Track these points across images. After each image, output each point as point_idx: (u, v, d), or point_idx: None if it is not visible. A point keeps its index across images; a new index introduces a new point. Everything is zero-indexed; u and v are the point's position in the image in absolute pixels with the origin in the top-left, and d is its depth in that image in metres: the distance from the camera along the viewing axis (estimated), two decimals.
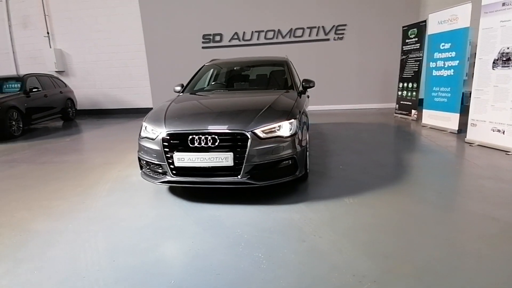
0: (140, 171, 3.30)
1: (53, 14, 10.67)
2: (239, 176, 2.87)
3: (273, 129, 2.98)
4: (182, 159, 2.89)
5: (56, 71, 10.76)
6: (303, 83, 4.20)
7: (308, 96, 4.94)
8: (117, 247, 2.35)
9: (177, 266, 2.10)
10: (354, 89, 9.35)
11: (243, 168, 2.85)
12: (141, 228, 2.64)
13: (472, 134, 4.84)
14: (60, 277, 2.03)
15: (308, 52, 9.32)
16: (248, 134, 2.84)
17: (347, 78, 9.33)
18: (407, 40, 7.22)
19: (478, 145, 4.70)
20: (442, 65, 5.79)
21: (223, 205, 2.99)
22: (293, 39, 9.34)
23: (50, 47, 10.81)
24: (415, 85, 6.99)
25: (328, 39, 9.21)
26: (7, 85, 8.07)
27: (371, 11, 8.87)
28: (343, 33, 9.12)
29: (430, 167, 3.90)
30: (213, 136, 2.84)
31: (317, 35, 9.23)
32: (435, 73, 6.00)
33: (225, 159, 2.83)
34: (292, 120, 3.09)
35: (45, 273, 2.08)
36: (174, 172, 2.96)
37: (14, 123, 7.19)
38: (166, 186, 3.37)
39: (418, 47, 6.85)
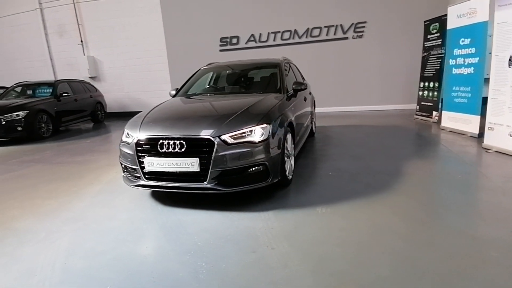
0: (122, 175, 3.41)
1: (85, 23, 11.42)
2: (205, 182, 2.85)
3: (242, 134, 2.92)
4: (152, 163, 2.93)
5: (89, 77, 11.52)
6: (294, 86, 4.07)
7: (305, 99, 4.79)
8: (76, 249, 2.44)
9: (120, 271, 2.13)
10: (374, 90, 8.92)
11: (209, 174, 2.83)
12: (107, 230, 2.72)
13: (489, 139, 4.38)
14: (16, 275, 2.15)
15: (326, 52, 9.06)
16: (214, 140, 2.81)
17: (367, 78, 8.92)
18: (428, 36, 6.73)
19: (496, 151, 4.24)
20: (462, 63, 5.31)
21: (193, 210, 2.99)
22: (309, 39, 9.12)
23: (84, 55, 11.58)
24: (436, 85, 6.49)
25: (346, 38, 8.87)
26: (40, 90, 8.76)
27: (392, 6, 8.39)
28: (362, 31, 8.73)
29: (429, 176, 3.59)
30: (180, 141, 2.86)
31: (335, 34, 8.93)
32: (455, 71, 5.52)
33: (191, 164, 2.82)
34: (265, 125, 3.01)
35: (5, 270, 2.21)
36: (146, 176, 3.02)
37: (43, 125, 7.79)
38: (149, 190, 3.44)
39: (440, 43, 6.35)
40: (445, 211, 2.68)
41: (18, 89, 8.97)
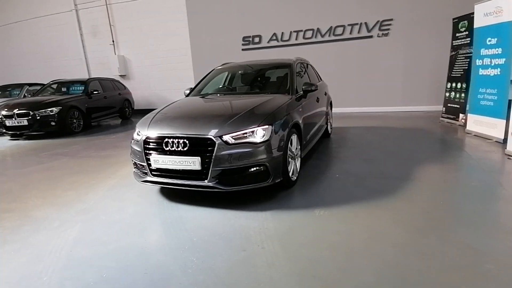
0: (133, 171, 3.59)
1: (117, 24, 11.96)
2: (206, 181, 2.94)
3: (244, 135, 2.98)
4: (157, 161, 3.07)
5: (119, 75, 12.08)
6: (303, 87, 4.06)
7: (317, 99, 4.74)
8: (83, 238, 2.62)
9: (117, 261, 2.27)
10: (398, 90, 8.62)
11: (210, 173, 2.91)
12: (114, 222, 2.89)
13: None
14: (26, 259, 2.36)
15: (349, 51, 8.88)
16: (215, 139, 2.89)
17: (391, 78, 8.63)
18: (457, 34, 6.40)
19: None
20: (489, 63, 5.01)
21: (195, 207, 3.09)
22: (332, 37, 8.97)
23: (115, 54, 12.14)
24: (464, 86, 6.16)
25: (371, 36, 8.63)
26: (73, 88, 9.31)
27: (421, 2, 8.04)
28: (388, 29, 8.45)
29: (440, 183, 3.45)
30: (184, 140, 2.97)
31: (359, 32, 8.72)
32: (481, 72, 5.22)
33: (192, 163, 2.93)
34: (267, 126, 3.04)
35: (18, 255, 2.43)
36: (152, 173, 3.16)
37: (75, 120, 8.30)
38: (156, 186, 3.59)
39: (468, 41, 6.02)
40: (448, 220, 2.59)
41: (54, 86, 9.58)
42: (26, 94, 10.13)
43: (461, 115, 6.21)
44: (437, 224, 2.53)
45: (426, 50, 8.16)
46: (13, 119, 7.54)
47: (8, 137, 8.00)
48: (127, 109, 10.73)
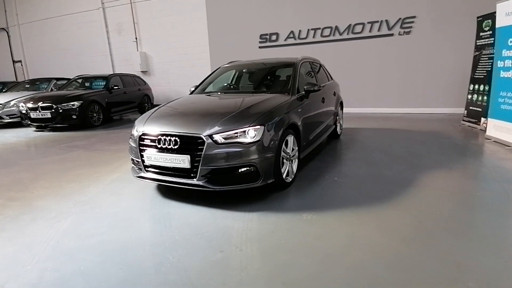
0: (131, 166, 3.67)
1: (140, 22, 12.28)
2: (195, 179, 2.95)
3: (234, 135, 2.96)
4: (150, 157, 3.12)
5: (141, 71, 12.41)
6: (305, 87, 3.97)
7: (323, 100, 4.62)
8: (73, 230, 2.72)
9: (98, 254, 2.32)
10: (419, 91, 8.24)
11: (199, 171, 2.92)
12: (105, 215, 2.97)
13: None
14: (17, 248, 2.47)
15: (368, 50, 8.60)
16: (205, 138, 2.90)
17: (412, 78, 8.27)
18: (481, 33, 6.02)
19: None
20: (511, 65, 4.67)
21: (185, 204, 3.12)
22: (351, 35, 8.72)
23: (137, 51, 12.49)
24: (486, 88, 5.79)
25: (391, 34, 8.30)
26: (96, 83, 9.67)
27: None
28: (410, 27, 8.09)
29: (442, 191, 3.25)
30: (175, 138, 2.99)
31: (379, 30, 8.41)
32: (502, 74, 4.88)
33: (182, 161, 2.95)
34: (258, 126, 3.01)
35: (11, 243, 2.56)
36: (146, 169, 3.22)
37: (95, 114, 8.62)
38: (155, 182, 3.63)
39: (492, 41, 5.64)
40: (439, 231, 2.44)
41: (79, 81, 10.00)
42: (53, 88, 10.63)
43: (482, 119, 5.85)
44: (425, 235, 2.39)
45: (450, 50, 7.75)
46: (38, 111, 7.95)
47: (34, 129, 8.44)
48: (146, 104, 11.00)
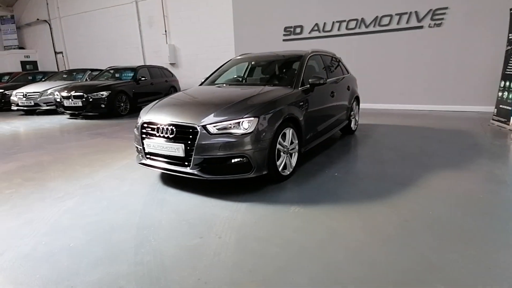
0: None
1: (169, 15, 12.61)
2: (189, 168, 3.04)
3: (228, 125, 3.00)
4: (149, 145, 3.26)
5: (169, 63, 12.79)
6: (310, 80, 3.90)
7: (332, 93, 4.50)
8: (72, 210, 2.92)
9: (88, 233, 2.48)
10: (450, 87, 7.75)
11: (192, 160, 3.00)
12: (105, 198, 3.15)
13: None
14: (21, 222, 2.71)
15: (395, 43, 8.22)
16: (198, 128, 2.97)
17: (443, 74, 7.79)
18: None
19: None
20: None
21: (180, 191, 3.23)
22: (378, 28, 8.37)
23: (166, 43, 12.85)
24: None
25: (421, 27, 7.85)
26: (125, 74, 10.11)
27: None
28: (442, 18, 7.60)
29: (443, 191, 3.08)
30: (172, 127, 3.10)
31: (407, 22, 7.99)
32: None
33: (177, 149, 3.05)
34: (252, 118, 3.03)
35: (17, 217, 2.80)
36: (147, 156, 3.36)
37: (122, 104, 9.05)
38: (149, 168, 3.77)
39: None
40: (423, 232, 2.33)
41: (111, 72, 10.52)
42: (87, 78, 11.28)
43: None
44: (407, 234, 2.30)
45: (483, 44, 7.20)
46: (70, 100, 8.50)
47: (67, 116, 9.03)
48: None
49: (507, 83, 5.66)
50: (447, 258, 2.01)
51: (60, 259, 2.16)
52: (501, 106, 5.83)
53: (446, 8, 7.55)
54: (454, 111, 7.68)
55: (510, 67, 5.59)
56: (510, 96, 5.54)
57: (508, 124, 5.52)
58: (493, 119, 6.06)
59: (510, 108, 5.53)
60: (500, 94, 5.90)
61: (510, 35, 5.67)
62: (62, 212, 2.87)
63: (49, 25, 16.61)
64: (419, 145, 4.80)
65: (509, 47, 5.68)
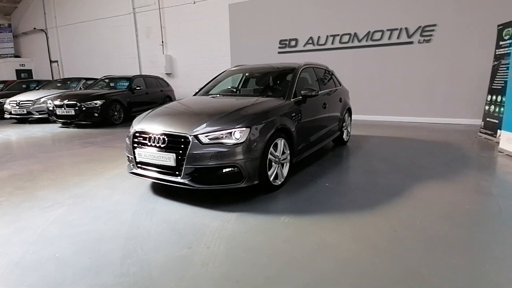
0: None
1: (167, 26, 12.76)
2: (179, 177, 3.04)
3: (220, 135, 3.03)
4: (140, 154, 3.26)
5: (165, 73, 12.88)
6: (303, 92, 3.96)
7: (324, 105, 4.57)
8: (60, 219, 2.89)
9: (74, 243, 2.46)
10: (439, 100, 7.93)
11: (183, 170, 3.01)
12: (94, 208, 3.13)
13: None
14: (10, 231, 2.68)
15: (386, 57, 8.42)
16: (190, 138, 2.99)
17: (432, 87, 7.98)
18: (501, 42, 5.72)
19: None
20: None
21: (171, 201, 3.22)
22: (370, 42, 8.56)
23: (163, 54, 12.97)
24: (504, 99, 5.47)
25: (411, 42, 8.06)
26: (120, 83, 10.14)
27: (467, 7, 7.32)
28: (431, 35, 7.82)
29: (430, 202, 3.12)
30: (163, 137, 3.11)
31: (398, 37, 8.20)
32: None
33: (168, 159, 3.06)
34: (244, 128, 3.06)
35: (7, 226, 2.77)
36: (138, 165, 3.36)
37: (116, 113, 9.05)
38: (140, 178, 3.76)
39: None
40: (412, 241, 2.36)
41: (106, 81, 10.53)
42: (81, 87, 11.27)
43: (499, 131, 5.52)
44: (397, 245, 2.32)
45: (471, 59, 7.41)
46: (63, 108, 8.47)
47: (59, 125, 8.99)
48: None
49: (494, 97, 5.80)
50: (434, 268, 2.03)
51: (48, 269, 2.13)
52: (488, 119, 5.96)
53: (434, 25, 7.78)
54: (443, 123, 7.83)
55: (496, 82, 5.74)
56: (497, 110, 5.67)
57: (495, 137, 5.63)
58: (480, 132, 6.18)
59: (496, 121, 5.65)
60: (487, 107, 6.03)
61: (497, 50, 5.84)
62: (50, 222, 2.84)
63: (46, 34, 16.67)
64: (409, 156, 4.87)
65: (495, 62, 5.84)
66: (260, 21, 10.18)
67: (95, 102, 8.56)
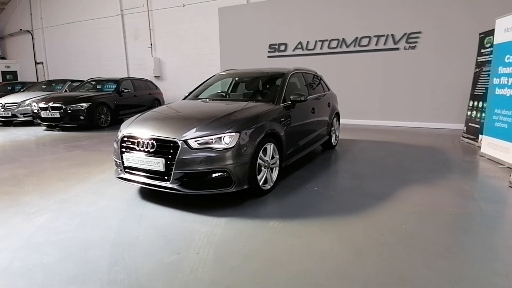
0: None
1: (156, 28, 12.68)
2: (168, 182, 3.03)
3: (210, 140, 3.04)
4: (129, 159, 3.24)
5: (154, 76, 12.77)
6: (292, 97, 4.01)
7: (313, 110, 4.63)
8: (46, 225, 2.84)
9: (60, 250, 2.42)
10: (424, 105, 8.12)
11: (172, 175, 3.00)
12: (80, 213, 3.09)
13: None
14: None
15: (373, 63, 8.58)
16: (179, 142, 2.98)
17: (418, 92, 8.17)
18: (482, 50, 5.91)
19: None
20: (506, 82, 4.57)
21: (159, 206, 3.21)
22: (358, 48, 8.71)
23: (152, 56, 12.87)
24: (485, 105, 5.65)
25: (397, 49, 8.25)
26: (107, 86, 9.99)
27: (451, 15, 7.56)
28: (416, 42, 8.02)
29: (415, 205, 3.20)
30: (152, 141, 3.10)
31: (385, 44, 8.38)
32: (497, 91, 4.77)
33: (157, 164, 3.05)
34: (233, 133, 3.08)
35: None
36: (125, 170, 3.33)
37: (103, 116, 8.92)
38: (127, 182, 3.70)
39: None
40: (397, 245, 2.42)
41: (92, 83, 10.37)
42: (67, 89, 11.07)
43: (480, 136, 5.70)
44: (382, 248, 2.38)
45: (454, 65, 7.63)
46: (48, 111, 8.31)
47: (43, 128, 8.80)
48: None
49: (475, 103, 5.98)
50: (417, 270, 2.09)
51: (35, 276, 2.10)
52: (470, 124, 6.14)
53: (419, 32, 7.98)
54: (428, 127, 8.02)
55: (478, 88, 5.92)
56: (478, 115, 5.85)
57: (477, 141, 5.80)
58: (463, 136, 6.36)
59: (478, 126, 5.82)
60: (469, 113, 6.22)
61: (478, 58, 6.03)
62: (35, 228, 2.79)
63: (32, 35, 16.33)
64: (395, 160, 4.98)
65: (477, 69, 6.04)
66: (250, 25, 10.23)
67: (81, 104, 8.42)
